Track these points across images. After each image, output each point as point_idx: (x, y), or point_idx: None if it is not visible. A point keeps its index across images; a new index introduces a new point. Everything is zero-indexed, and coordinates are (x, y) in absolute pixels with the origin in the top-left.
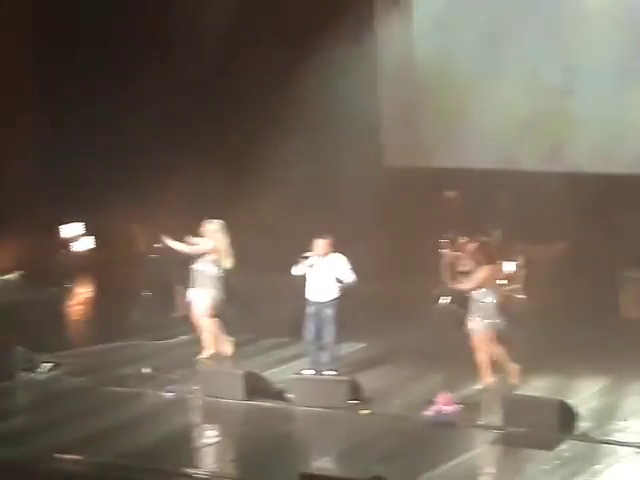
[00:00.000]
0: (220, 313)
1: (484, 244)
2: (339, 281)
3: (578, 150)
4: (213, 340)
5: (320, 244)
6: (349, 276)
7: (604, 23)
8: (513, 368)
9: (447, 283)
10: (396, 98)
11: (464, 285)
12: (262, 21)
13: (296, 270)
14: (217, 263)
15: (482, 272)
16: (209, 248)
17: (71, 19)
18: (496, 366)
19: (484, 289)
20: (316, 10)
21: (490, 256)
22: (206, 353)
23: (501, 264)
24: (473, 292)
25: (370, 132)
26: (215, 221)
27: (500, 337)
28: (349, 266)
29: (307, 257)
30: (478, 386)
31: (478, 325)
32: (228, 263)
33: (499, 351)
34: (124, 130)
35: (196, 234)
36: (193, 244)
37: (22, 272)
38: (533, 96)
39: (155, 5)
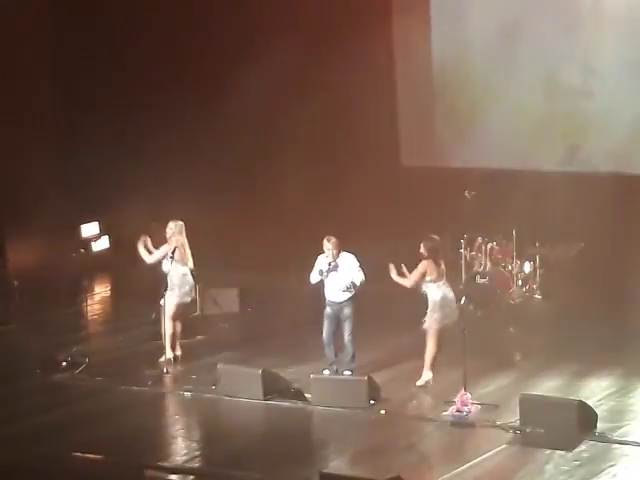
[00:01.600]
0: (183, 316)
1: (430, 241)
2: (350, 284)
3: (595, 150)
4: (171, 343)
5: (331, 245)
6: (359, 276)
7: (622, 22)
8: (427, 373)
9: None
10: (413, 98)
11: (405, 281)
12: (277, 21)
13: (314, 278)
14: (182, 264)
15: (421, 267)
16: (163, 253)
17: (90, 18)
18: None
19: (433, 285)
20: (332, 10)
21: (433, 252)
22: (164, 356)
23: (442, 262)
24: (424, 288)
25: (387, 132)
26: (177, 221)
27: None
28: (358, 265)
29: (329, 264)
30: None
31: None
32: (189, 263)
33: (432, 349)
34: (142, 130)
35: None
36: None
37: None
38: (550, 96)
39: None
